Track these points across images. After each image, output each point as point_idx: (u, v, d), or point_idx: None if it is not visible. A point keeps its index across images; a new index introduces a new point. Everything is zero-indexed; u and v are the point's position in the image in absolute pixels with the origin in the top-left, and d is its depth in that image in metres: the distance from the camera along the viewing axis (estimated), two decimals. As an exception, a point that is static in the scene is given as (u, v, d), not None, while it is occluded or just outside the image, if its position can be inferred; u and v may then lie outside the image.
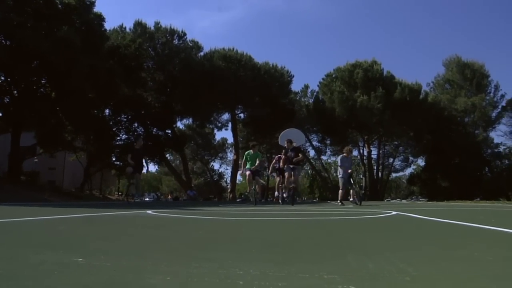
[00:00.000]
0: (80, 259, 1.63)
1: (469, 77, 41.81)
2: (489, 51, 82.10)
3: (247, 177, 13.22)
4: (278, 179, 14.41)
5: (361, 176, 52.91)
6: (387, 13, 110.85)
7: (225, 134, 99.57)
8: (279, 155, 14.30)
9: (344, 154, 13.87)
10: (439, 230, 3.46)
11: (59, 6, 25.84)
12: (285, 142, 13.65)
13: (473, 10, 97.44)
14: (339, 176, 13.83)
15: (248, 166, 13.14)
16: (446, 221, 4.39)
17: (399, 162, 51.04)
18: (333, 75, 43.60)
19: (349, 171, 13.47)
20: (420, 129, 40.09)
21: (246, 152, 13.73)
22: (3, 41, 23.70)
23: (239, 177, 49.01)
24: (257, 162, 13.07)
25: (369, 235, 3.04)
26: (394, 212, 6.62)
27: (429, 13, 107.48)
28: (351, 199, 13.40)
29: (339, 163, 13.84)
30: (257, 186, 12.92)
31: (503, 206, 12.51)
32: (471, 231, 3.30)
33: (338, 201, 13.51)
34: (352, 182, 13.57)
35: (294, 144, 13.57)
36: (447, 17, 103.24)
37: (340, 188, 13.54)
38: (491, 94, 42.49)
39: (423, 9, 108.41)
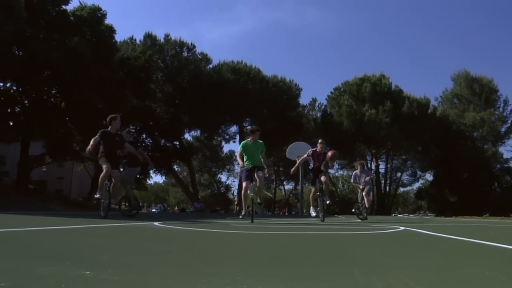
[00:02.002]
0: (87, 272, 1.62)
1: (477, 91, 41.56)
2: (497, 66, 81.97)
3: (243, 184, 8.85)
4: (312, 189, 10.44)
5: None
6: (395, 28, 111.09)
7: (232, 147, 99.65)
8: (314, 149, 10.62)
9: (357, 171, 13.41)
10: (448, 247, 3.41)
11: (71, 18, 26.25)
12: (318, 144, 10.57)
13: (481, 26, 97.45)
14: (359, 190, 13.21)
15: (246, 162, 8.86)
16: (455, 238, 4.34)
17: (407, 177, 50.67)
18: (341, 89, 43.58)
19: (367, 178, 13.03)
20: (428, 143, 39.83)
21: (243, 142, 9.21)
22: (16, 52, 24.03)
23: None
24: (262, 158, 9.05)
25: (377, 251, 3.00)
26: (402, 228, 6.55)
27: (437, 28, 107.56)
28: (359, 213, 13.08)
29: (352, 180, 13.51)
30: (258, 184, 8.60)
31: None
32: (481, 248, 3.25)
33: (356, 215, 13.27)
34: (370, 195, 13.09)
35: (320, 148, 10.48)
36: (455, 33, 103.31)
37: (359, 201, 13.21)
38: (500, 109, 42.20)
39: (431, 24, 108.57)
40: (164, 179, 65.23)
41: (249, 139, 9.09)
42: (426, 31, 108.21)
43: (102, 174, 8.71)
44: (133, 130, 36.80)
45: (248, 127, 46.48)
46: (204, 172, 64.25)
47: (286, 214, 40.68)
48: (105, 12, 27.99)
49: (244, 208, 8.99)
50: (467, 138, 41.21)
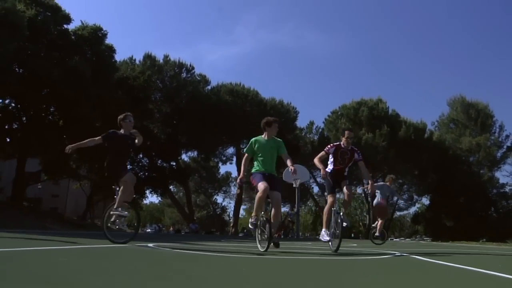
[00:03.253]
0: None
1: (473, 117, 41.88)
2: (493, 91, 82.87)
3: (259, 191, 6.12)
4: (330, 199, 7.07)
5: (365, 214, 52.36)
6: (392, 53, 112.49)
7: (229, 168, 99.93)
8: (337, 143, 7.48)
9: (387, 183, 12.69)
10: (445, 275, 3.38)
11: (73, 37, 26.50)
12: (345, 132, 7.45)
13: (477, 52, 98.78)
14: (374, 202, 12.47)
15: (257, 167, 6.51)
16: (452, 265, 4.31)
17: (403, 201, 50.55)
18: (339, 112, 43.76)
19: (382, 199, 12.33)
20: (425, 167, 39.90)
21: (254, 140, 6.71)
22: (16, 69, 24.16)
23: (241, 212, 48.55)
24: (288, 161, 6.49)
25: (373, 279, 2.98)
26: (398, 253, 6.52)
27: (434, 53, 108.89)
28: (377, 234, 12.28)
29: (378, 190, 12.43)
30: (273, 213, 6.19)
31: (510, 249, 12.27)
32: (478, 277, 3.23)
33: (374, 231, 12.55)
34: (388, 212, 12.58)
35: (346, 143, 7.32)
36: (451, 58, 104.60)
37: (378, 218, 12.51)
38: (496, 134, 42.41)
39: (427, 50, 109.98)
40: (160, 199, 64.94)
41: (261, 137, 6.64)
42: (423, 56, 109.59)
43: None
44: (131, 150, 36.76)
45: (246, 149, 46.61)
46: (200, 193, 63.96)
47: (282, 237, 40.37)
48: (105, 32, 28.29)
49: (255, 218, 6.22)
50: (463, 163, 41.30)
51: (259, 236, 6.43)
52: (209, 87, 43.28)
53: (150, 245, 6.58)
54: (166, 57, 41.20)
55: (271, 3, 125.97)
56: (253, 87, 43.94)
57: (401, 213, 58.76)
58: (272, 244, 6.09)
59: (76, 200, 44.95)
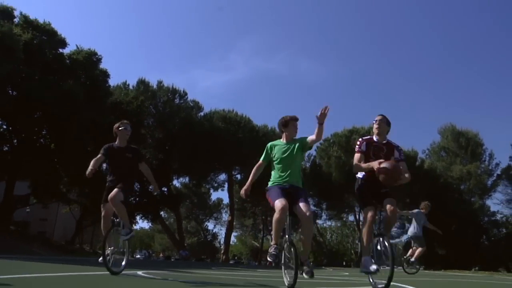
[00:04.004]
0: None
1: (463, 145, 42.54)
2: (482, 120, 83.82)
3: (276, 205, 4.79)
4: (369, 213, 5.14)
5: (357, 242, 52.07)
6: (383, 81, 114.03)
7: (221, 195, 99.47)
8: (366, 137, 5.66)
9: (422, 210, 12.11)
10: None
11: (67, 61, 26.65)
12: (375, 125, 5.54)
13: (468, 80, 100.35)
14: (409, 234, 12.10)
15: (273, 179, 5.24)
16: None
17: (395, 229, 50.41)
18: (331, 140, 44.00)
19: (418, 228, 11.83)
20: (417, 195, 39.91)
21: (270, 144, 5.53)
22: (9, 91, 24.15)
23: (233, 239, 48.13)
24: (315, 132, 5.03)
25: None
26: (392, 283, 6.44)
27: (424, 82, 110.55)
28: (412, 259, 11.82)
29: (414, 218, 12.02)
30: (302, 231, 5.00)
31: (503, 278, 12.20)
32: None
33: (409, 257, 12.03)
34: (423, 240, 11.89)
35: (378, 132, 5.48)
36: (441, 87, 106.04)
37: (412, 246, 12.05)
38: (486, 162, 43.04)
39: (418, 78, 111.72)
40: (150, 225, 64.26)
41: (280, 141, 5.41)
42: (413, 85, 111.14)
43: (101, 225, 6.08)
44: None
45: (238, 175, 46.86)
46: (191, 220, 63.43)
47: (273, 265, 39.99)
48: (100, 57, 28.44)
49: (275, 247, 4.83)
50: (454, 191, 41.56)
51: (283, 266, 5.04)
52: (202, 114, 43.54)
53: (140, 272, 6.47)
54: (159, 82, 41.54)
55: (264, 31, 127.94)
56: (245, 114, 44.31)
57: (393, 241, 58.44)
58: (303, 273, 4.67)
59: (65, 224, 44.29)
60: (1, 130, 26.41)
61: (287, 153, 5.24)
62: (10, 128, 26.24)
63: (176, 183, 48.21)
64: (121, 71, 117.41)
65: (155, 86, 41.03)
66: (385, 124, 5.57)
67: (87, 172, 5.85)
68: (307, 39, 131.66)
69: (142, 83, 40.11)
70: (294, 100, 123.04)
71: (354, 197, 43.37)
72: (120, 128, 6.40)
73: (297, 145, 5.28)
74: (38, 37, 25.19)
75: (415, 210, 12.40)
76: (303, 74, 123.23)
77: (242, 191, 5.30)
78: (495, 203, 49.47)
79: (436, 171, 42.01)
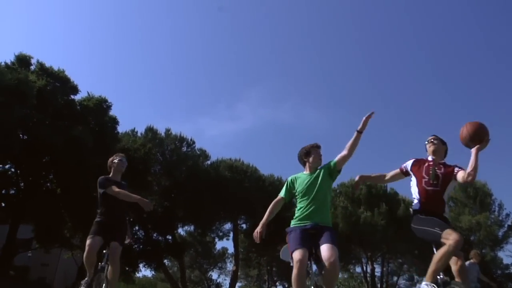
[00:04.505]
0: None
1: (472, 195, 42.19)
2: (490, 169, 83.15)
3: (293, 256, 4.19)
4: (455, 237, 4.43)
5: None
6: (388, 131, 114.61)
7: (226, 244, 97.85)
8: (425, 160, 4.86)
9: (472, 261, 10.94)
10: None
11: (78, 107, 27.31)
12: (428, 144, 4.93)
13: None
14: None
15: (296, 218, 4.68)
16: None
17: (404, 281, 49.29)
18: (337, 190, 43.84)
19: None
20: (425, 247, 39.32)
21: (291, 177, 5.07)
22: (20, 135, 24.60)
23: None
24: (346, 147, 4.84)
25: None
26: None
27: (430, 131, 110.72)
28: None
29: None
30: (325, 281, 4.21)
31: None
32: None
33: None
34: None
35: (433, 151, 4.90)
36: (447, 136, 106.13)
37: None
38: (496, 213, 42.47)
39: (423, 127, 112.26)
40: (153, 273, 62.98)
41: (303, 173, 4.82)
42: (418, 133, 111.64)
43: (84, 255, 5.56)
44: (126, 222, 36.36)
45: (243, 225, 46.42)
46: (195, 269, 62.17)
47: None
48: (110, 104, 29.13)
49: None
50: (464, 242, 40.68)
51: None
52: (208, 162, 43.64)
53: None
54: (167, 130, 42.06)
55: (271, 81, 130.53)
56: (252, 163, 44.52)
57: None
58: None
59: (66, 270, 43.52)
60: (9, 173, 26.70)
61: (311, 184, 4.54)
62: (18, 171, 26.51)
63: (181, 231, 47.80)
64: (130, 118, 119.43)
65: (163, 134, 41.53)
66: (440, 142, 4.88)
67: (146, 204, 5.52)
68: (313, 89, 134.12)
69: (150, 130, 40.67)
70: (299, 149, 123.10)
71: (361, 247, 42.72)
72: (115, 161, 6.22)
73: (322, 172, 4.60)
74: (52, 83, 26.00)
75: (467, 263, 10.38)
76: (310, 123, 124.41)
77: (255, 233, 4.59)
78: (507, 255, 48.51)
79: (444, 222, 41.52)
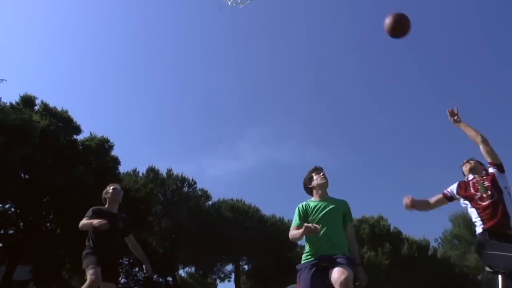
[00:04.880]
0: None
1: (477, 233, 41.45)
2: None
3: None
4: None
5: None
6: (392, 170, 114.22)
7: (227, 286, 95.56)
8: (460, 181, 4.51)
9: None
10: None
11: (80, 147, 27.47)
12: (464, 167, 4.61)
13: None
14: None
15: (307, 253, 4.15)
16: None
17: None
18: (339, 230, 43.51)
19: None
20: (431, 286, 38.56)
21: (301, 205, 4.43)
22: (21, 174, 24.64)
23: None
24: (348, 238, 4.25)
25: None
26: None
27: (432, 170, 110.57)
28: None
29: None
30: None
31: None
32: None
33: None
34: None
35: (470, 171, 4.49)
36: (450, 173, 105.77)
37: None
38: (502, 252, 41.56)
39: (426, 166, 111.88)
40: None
41: (313, 200, 4.42)
42: (421, 172, 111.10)
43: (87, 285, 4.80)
44: (126, 263, 35.84)
45: (245, 266, 45.65)
46: (196, 312, 60.70)
47: None
48: (112, 144, 29.30)
49: None
50: (471, 281, 39.94)
51: None
52: (210, 203, 43.83)
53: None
54: (169, 171, 42.26)
55: (273, 121, 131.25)
56: (254, 203, 44.60)
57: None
58: None
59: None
60: (9, 212, 26.58)
61: (324, 213, 4.07)
62: (18, 211, 26.39)
63: (181, 272, 47.06)
64: (131, 158, 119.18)
65: (164, 174, 41.69)
66: (476, 162, 4.53)
67: (98, 223, 4.85)
68: (316, 128, 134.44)
69: (151, 170, 40.81)
70: (303, 189, 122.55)
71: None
72: (109, 190, 5.61)
73: (337, 205, 4.21)
74: (55, 123, 26.32)
75: None
76: (312, 163, 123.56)
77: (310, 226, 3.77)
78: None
79: (450, 260, 40.84)
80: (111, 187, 5.77)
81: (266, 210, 68.80)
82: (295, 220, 4.31)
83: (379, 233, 40.34)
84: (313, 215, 4.18)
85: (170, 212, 40.33)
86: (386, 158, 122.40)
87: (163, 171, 42.00)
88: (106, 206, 5.66)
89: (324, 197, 4.37)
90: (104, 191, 5.81)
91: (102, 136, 28.89)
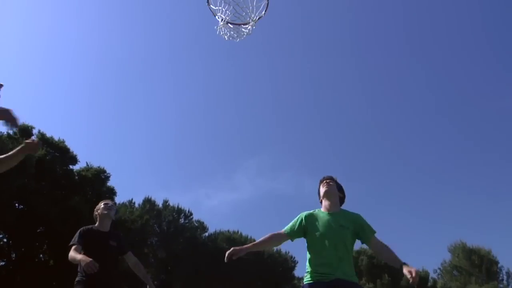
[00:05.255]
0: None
1: (477, 263, 40.87)
2: (494, 236, 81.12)
3: None
4: None
5: None
6: (389, 201, 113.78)
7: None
8: None
9: None
10: None
11: (76, 177, 27.35)
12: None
13: (475, 196, 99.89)
14: None
15: (309, 270, 3.69)
16: None
17: None
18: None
19: None
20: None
21: (304, 214, 3.92)
22: (16, 205, 24.43)
23: None
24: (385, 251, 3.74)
25: None
26: None
27: (432, 200, 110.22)
28: None
29: None
30: None
31: None
32: None
33: None
34: None
35: None
36: (450, 203, 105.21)
37: None
38: (504, 282, 41.06)
39: (425, 196, 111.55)
40: None
41: (320, 210, 3.93)
42: (420, 204, 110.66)
43: None
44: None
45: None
46: None
47: None
48: (108, 175, 29.24)
49: None
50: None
51: None
52: (206, 234, 43.55)
53: None
54: (165, 202, 42.09)
55: (269, 152, 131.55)
56: (250, 234, 44.20)
57: None
58: None
59: None
60: (1, 243, 26.17)
61: (332, 229, 3.59)
62: (10, 242, 26.04)
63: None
64: (128, 188, 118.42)
65: (160, 205, 41.48)
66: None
67: (88, 265, 4.31)
68: (311, 158, 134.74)
69: (148, 201, 40.59)
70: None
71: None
72: (101, 206, 5.17)
73: (348, 222, 3.69)
74: (51, 153, 26.31)
75: None
76: (310, 194, 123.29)
77: (231, 249, 3.74)
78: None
79: (450, 292, 40.35)
80: (102, 203, 5.32)
81: (263, 241, 68.34)
82: (288, 227, 3.91)
83: (377, 264, 39.92)
84: (320, 228, 3.67)
85: (166, 244, 39.94)
86: (384, 189, 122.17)
87: (159, 202, 41.80)
88: (97, 224, 5.18)
89: (332, 209, 3.80)
90: (95, 208, 5.35)
91: (99, 167, 28.87)
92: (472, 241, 48.30)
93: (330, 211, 3.80)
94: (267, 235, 3.93)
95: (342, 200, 4.02)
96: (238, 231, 43.96)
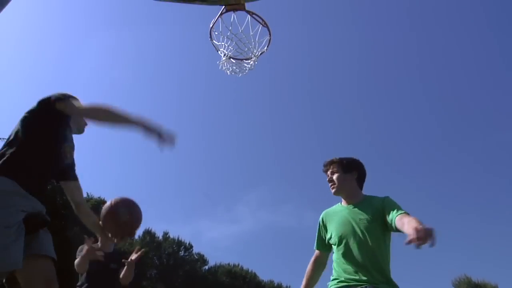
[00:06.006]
0: None
1: (484, 301, 40.18)
2: (500, 271, 79.44)
3: None
4: None
5: None
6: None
7: None
8: None
9: None
10: None
11: (76, 207, 27.22)
12: None
13: (480, 229, 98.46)
14: None
15: (334, 277, 3.00)
16: None
17: None
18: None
19: None
20: None
21: (323, 216, 3.29)
22: (13, 236, 24.23)
23: None
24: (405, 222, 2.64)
25: None
26: None
27: (436, 226, 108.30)
28: None
29: None
30: None
31: None
32: None
33: None
34: None
35: None
36: (453, 236, 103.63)
37: None
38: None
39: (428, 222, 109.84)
40: None
41: (341, 204, 3.28)
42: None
43: None
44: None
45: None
46: None
47: None
48: (110, 204, 29.01)
49: None
50: None
51: None
52: (206, 267, 43.00)
53: None
54: (165, 234, 41.74)
55: (271, 184, 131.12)
56: (251, 268, 43.71)
57: None
58: None
59: None
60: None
61: (352, 225, 3.00)
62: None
63: None
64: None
65: (160, 237, 41.12)
66: None
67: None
68: (313, 191, 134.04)
69: (148, 233, 40.23)
70: (301, 254, 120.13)
71: None
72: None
73: (371, 210, 2.98)
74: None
75: None
76: (311, 226, 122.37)
77: None
78: None
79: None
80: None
81: (264, 274, 67.02)
82: (315, 242, 3.32)
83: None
84: (337, 229, 3.07)
85: (166, 276, 39.36)
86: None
87: (159, 234, 41.44)
88: (99, 242, 4.68)
89: (350, 201, 3.16)
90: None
91: (99, 197, 28.81)
92: (478, 275, 47.66)
93: (348, 204, 3.17)
94: (309, 268, 3.30)
95: (360, 179, 3.27)
96: (238, 264, 43.45)
